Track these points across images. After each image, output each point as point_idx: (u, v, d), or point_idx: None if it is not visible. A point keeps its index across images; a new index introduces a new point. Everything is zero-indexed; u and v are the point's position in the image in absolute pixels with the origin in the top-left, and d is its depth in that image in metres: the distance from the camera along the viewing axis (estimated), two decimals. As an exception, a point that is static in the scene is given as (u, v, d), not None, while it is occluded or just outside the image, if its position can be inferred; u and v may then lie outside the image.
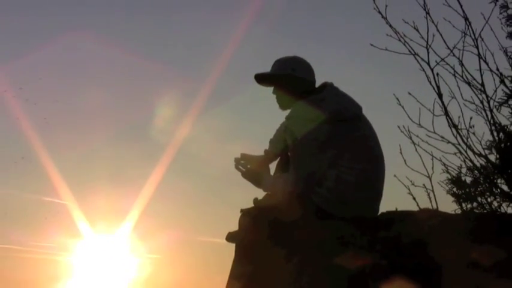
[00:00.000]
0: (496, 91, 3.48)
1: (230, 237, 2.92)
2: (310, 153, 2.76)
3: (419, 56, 3.45)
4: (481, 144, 3.50)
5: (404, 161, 3.52)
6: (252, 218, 2.84)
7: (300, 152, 2.80)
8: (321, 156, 2.74)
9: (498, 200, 3.64)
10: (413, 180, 3.57)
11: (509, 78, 3.59)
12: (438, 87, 3.46)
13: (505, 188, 3.56)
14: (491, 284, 2.08)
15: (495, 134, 3.49)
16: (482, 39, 3.43)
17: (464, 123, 3.44)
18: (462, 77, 3.45)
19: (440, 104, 3.45)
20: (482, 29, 3.42)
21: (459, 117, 3.44)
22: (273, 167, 3.15)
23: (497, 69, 3.50)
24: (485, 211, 3.66)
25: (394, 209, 2.90)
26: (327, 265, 2.56)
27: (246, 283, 2.76)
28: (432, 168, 3.53)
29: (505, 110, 3.62)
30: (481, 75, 3.44)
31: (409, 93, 3.48)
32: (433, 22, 3.41)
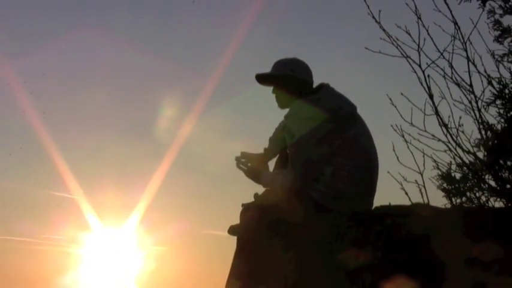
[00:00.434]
0: (483, 92, 3.52)
1: (232, 230, 2.93)
2: (307, 150, 2.74)
3: (411, 58, 3.49)
4: (469, 142, 3.54)
5: (397, 158, 3.54)
6: (253, 213, 2.84)
7: (298, 150, 2.78)
8: (317, 153, 2.73)
9: (486, 194, 3.66)
10: (406, 176, 3.59)
11: (497, 80, 3.61)
12: (429, 88, 3.49)
13: (492, 183, 3.58)
14: (488, 278, 2.07)
15: (483, 132, 3.52)
16: (471, 43, 3.47)
17: (454, 122, 3.48)
18: (452, 78, 3.49)
19: (431, 104, 3.48)
20: (470, 33, 3.46)
21: (449, 116, 3.48)
22: (272, 164, 3.15)
23: (485, 71, 3.54)
24: (473, 205, 3.67)
25: (387, 204, 2.88)
26: (323, 257, 2.56)
27: (247, 274, 2.77)
28: (423, 164, 3.55)
29: (492, 110, 3.66)
30: (470, 77, 3.48)
31: (402, 94, 3.51)
32: (424, 26, 3.44)
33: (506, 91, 3.60)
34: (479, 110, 3.47)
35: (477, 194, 3.70)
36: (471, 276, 2.10)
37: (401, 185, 3.59)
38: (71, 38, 10.21)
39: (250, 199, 2.97)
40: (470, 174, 3.66)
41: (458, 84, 3.47)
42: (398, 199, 3.61)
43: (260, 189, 2.97)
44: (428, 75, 3.47)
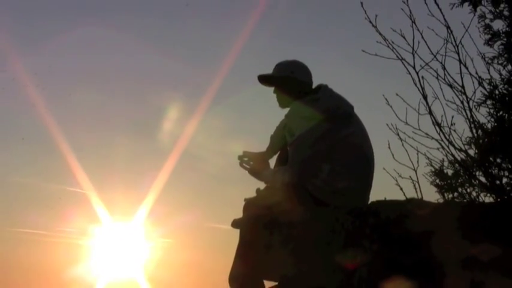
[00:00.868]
0: (475, 92, 3.55)
1: (235, 223, 2.91)
2: (306, 148, 2.74)
3: (406, 61, 3.50)
4: (461, 140, 3.55)
5: (392, 155, 3.55)
6: (255, 208, 2.84)
7: (297, 147, 2.78)
8: (315, 151, 2.73)
9: (477, 190, 3.70)
10: (401, 173, 3.61)
11: (487, 81, 3.64)
12: (423, 89, 3.51)
13: (483, 179, 3.61)
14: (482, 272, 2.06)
15: (474, 131, 3.54)
16: (463, 46, 3.48)
17: (447, 122, 3.49)
18: (444, 79, 3.50)
19: (425, 104, 3.50)
20: (462, 37, 3.47)
21: (442, 116, 3.49)
22: (273, 161, 3.15)
23: (476, 73, 3.58)
24: (465, 200, 3.69)
25: (383, 199, 2.85)
26: (320, 251, 2.55)
27: (249, 265, 2.77)
28: (417, 161, 3.56)
29: (483, 110, 3.71)
30: (462, 78, 3.49)
31: (397, 94, 3.53)
32: (418, 30, 3.45)
33: (496, 92, 3.63)
34: (470, 110, 3.49)
35: (468, 190, 3.73)
36: (464, 270, 2.08)
37: (396, 180, 3.62)
38: (80, 34, 10.21)
39: (252, 194, 2.97)
40: (461, 171, 3.68)
41: (450, 86, 3.48)
42: (394, 194, 3.63)
43: (262, 184, 2.98)
44: (422, 77, 3.49)
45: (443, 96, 3.46)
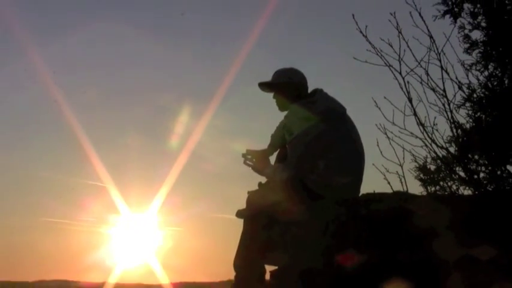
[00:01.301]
0: (455, 96, 3.53)
1: (239, 213, 2.92)
2: (303, 146, 2.76)
3: (393, 67, 3.48)
4: (443, 139, 3.54)
5: (381, 152, 3.55)
6: (257, 200, 2.86)
7: (295, 146, 2.80)
8: (311, 149, 2.75)
9: (457, 184, 3.66)
10: (388, 168, 3.59)
11: (466, 86, 3.61)
12: (408, 92, 3.49)
13: (462, 174, 3.59)
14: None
15: (454, 130, 3.54)
16: (444, 54, 3.47)
17: (430, 122, 3.49)
18: (428, 84, 3.49)
19: (410, 106, 3.49)
20: (444, 46, 3.47)
21: (425, 117, 3.49)
22: (273, 158, 3.16)
23: (456, 78, 3.54)
24: (446, 193, 3.68)
25: (372, 191, 2.92)
26: (316, 240, 2.60)
27: (252, 252, 2.80)
28: (403, 158, 3.55)
29: (462, 111, 3.66)
30: (443, 83, 3.49)
31: (385, 97, 3.51)
32: (404, 40, 3.44)
33: (475, 95, 3.60)
34: (451, 112, 3.49)
35: (449, 184, 3.70)
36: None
37: (384, 175, 3.60)
38: (98, 29, 10.19)
39: (255, 187, 2.99)
40: (443, 166, 3.65)
41: (433, 90, 3.47)
42: (382, 187, 3.62)
43: (264, 179, 2.99)
44: (408, 82, 3.48)
45: (427, 99, 3.47)
